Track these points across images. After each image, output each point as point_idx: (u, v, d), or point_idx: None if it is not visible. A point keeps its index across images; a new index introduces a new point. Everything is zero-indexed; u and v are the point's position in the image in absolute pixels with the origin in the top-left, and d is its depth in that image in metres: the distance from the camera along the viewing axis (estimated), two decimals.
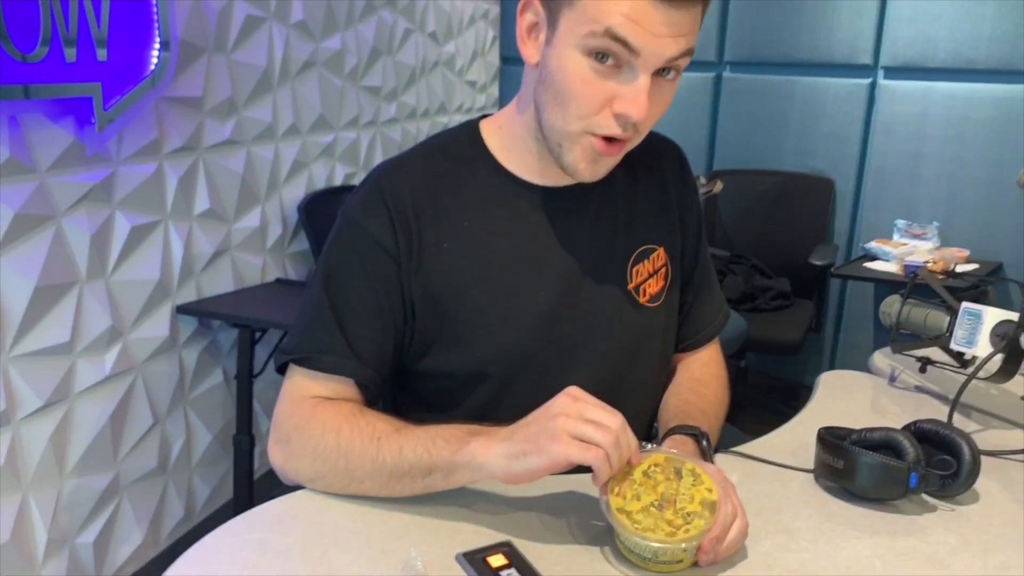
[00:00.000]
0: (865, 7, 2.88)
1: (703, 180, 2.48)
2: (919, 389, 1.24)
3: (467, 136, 1.01)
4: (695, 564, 0.77)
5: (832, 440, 0.92)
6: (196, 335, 2.12)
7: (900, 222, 2.88)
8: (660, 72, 0.83)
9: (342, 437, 0.87)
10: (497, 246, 0.97)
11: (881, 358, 1.34)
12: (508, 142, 0.99)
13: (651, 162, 1.06)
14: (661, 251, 1.05)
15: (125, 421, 1.93)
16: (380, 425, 0.87)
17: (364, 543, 0.81)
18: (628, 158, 1.00)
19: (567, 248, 0.98)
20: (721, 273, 2.98)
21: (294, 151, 2.45)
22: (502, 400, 0.98)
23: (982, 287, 1.21)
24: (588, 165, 0.89)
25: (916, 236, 2.83)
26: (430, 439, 0.83)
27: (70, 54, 1.58)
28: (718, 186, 2.52)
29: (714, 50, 3.23)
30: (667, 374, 1.12)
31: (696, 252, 1.12)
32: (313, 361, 0.93)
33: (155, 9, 1.78)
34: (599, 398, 0.89)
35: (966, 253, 2.72)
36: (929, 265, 2.59)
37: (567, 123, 0.86)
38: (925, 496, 0.92)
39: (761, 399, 3.15)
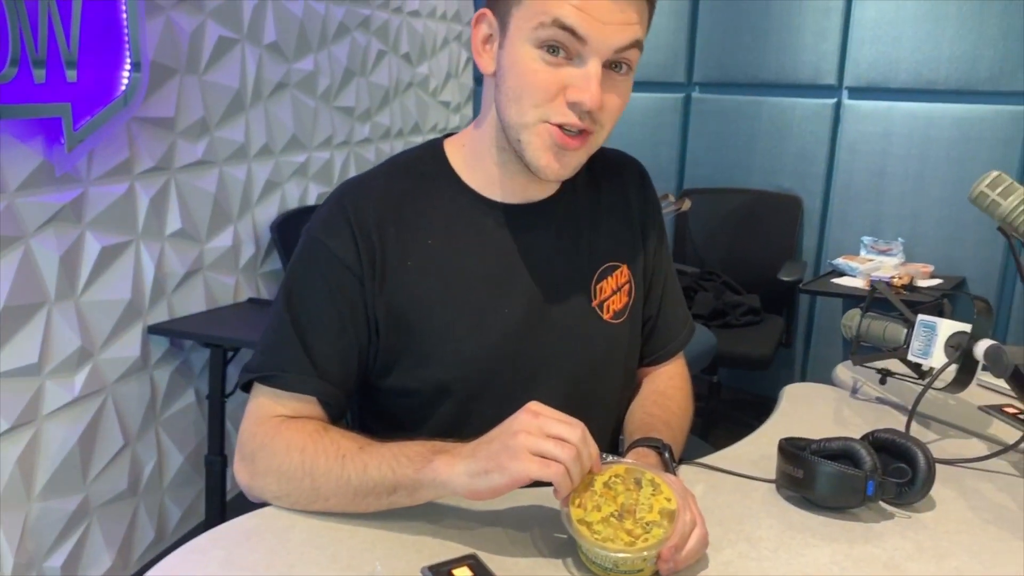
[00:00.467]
0: (829, 29, 2.95)
1: (672, 198, 2.52)
2: (880, 400, 1.27)
3: (430, 155, 1.02)
4: (656, 573, 0.79)
5: (792, 450, 0.94)
6: (168, 355, 2.11)
7: (866, 238, 2.93)
8: (612, 67, 0.87)
9: (307, 456, 0.87)
10: (461, 263, 0.97)
11: (844, 370, 1.37)
12: (471, 160, 1.00)
13: (613, 179, 1.09)
14: (624, 268, 1.06)
15: (95, 443, 1.91)
16: (344, 443, 0.87)
17: (330, 558, 0.81)
18: (591, 175, 1.03)
19: (531, 265, 0.99)
20: (692, 290, 3.02)
21: (267, 171, 2.45)
22: (468, 418, 0.99)
23: (940, 300, 1.24)
24: (552, 159, 0.90)
25: (882, 252, 2.89)
26: (394, 457, 0.84)
27: (39, 75, 1.58)
28: (686, 204, 2.56)
29: (683, 71, 3.29)
30: (632, 389, 1.13)
31: (659, 268, 1.13)
32: (277, 380, 0.94)
33: (126, 30, 1.79)
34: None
35: (930, 268, 2.78)
36: (894, 280, 2.64)
37: (523, 114, 0.88)
38: (883, 504, 0.94)
39: (733, 414, 3.18)
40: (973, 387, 1.29)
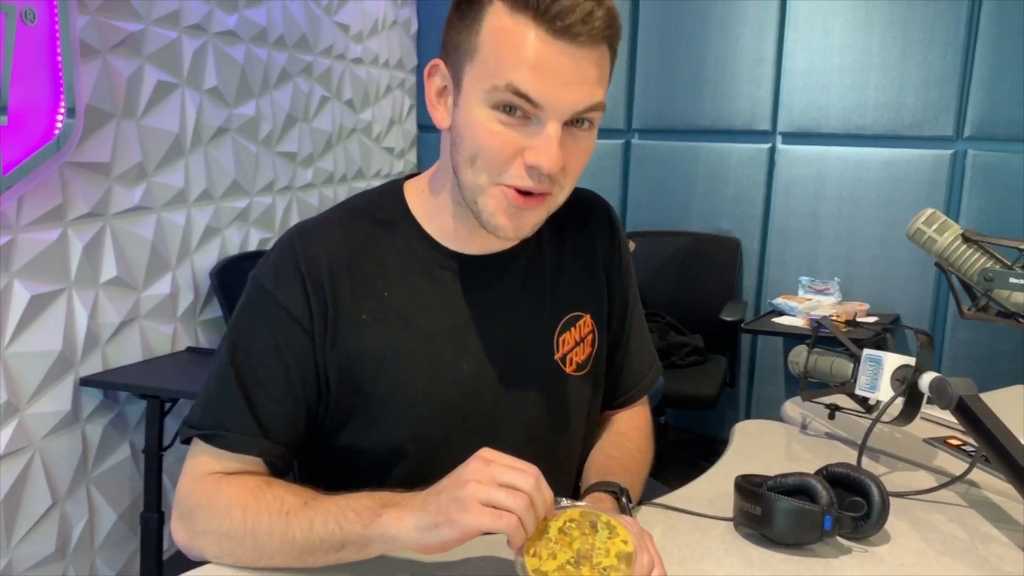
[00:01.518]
0: (762, 77, 3.06)
1: None
2: (829, 435, 1.28)
3: (390, 199, 0.97)
4: None
5: (749, 487, 0.94)
6: (101, 408, 2.03)
7: (804, 278, 3.01)
8: (573, 123, 0.82)
9: (248, 514, 0.83)
10: (418, 317, 0.93)
11: (792, 407, 1.39)
12: (431, 208, 0.95)
13: (579, 222, 1.05)
14: (588, 318, 1.03)
15: (20, 503, 1.81)
16: (288, 499, 0.83)
17: None
18: (556, 222, 0.99)
19: (491, 319, 0.96)
20: None
21: (207, 216, 2.40)
22: (425, 481, 0.91)
23: (882, 335, 1.27)
24: (508, 220, 0.86)
25: (819, 291, 2.96)
26: (340, 512, 0.79)
27: None
28: (632, 246, 2.59)
29: (623, 118, 3.36)
30: (594, 436, 1.10)
31: (624, 313, 1.10)
32: (219, 439, 0.89)
33: (60, 75, 1.74)
34: None
35: (866, 307, 2.86)
36: (833, 318, 2.70)
37: (478, 176, 0.84)
38: (840, 539, 0.94)
39: (681, 455, 3.19)
40: (918, 420, 1.32)
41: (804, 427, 1.31)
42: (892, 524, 0.97)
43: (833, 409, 1.25)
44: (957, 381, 1.01)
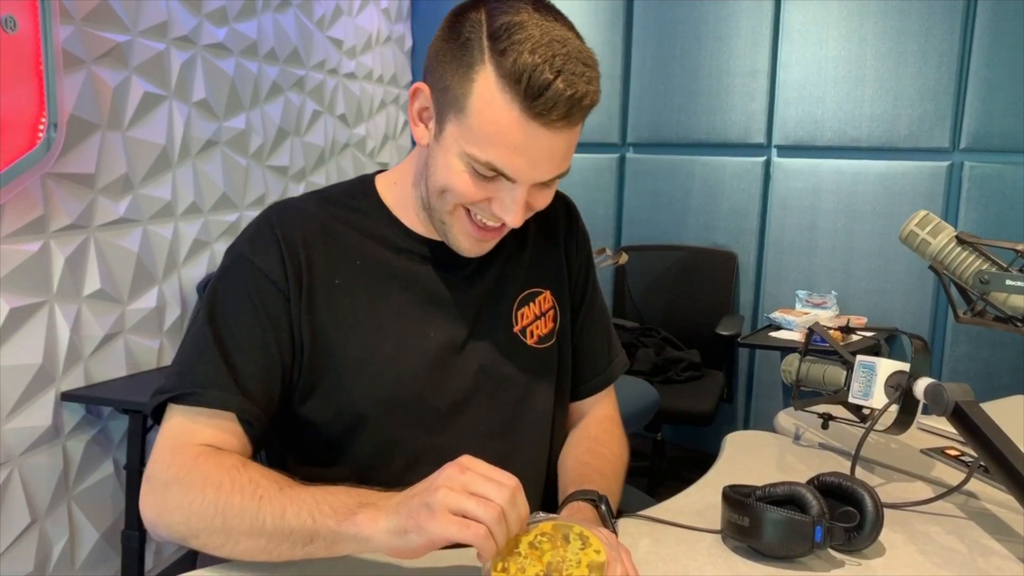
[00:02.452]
0: (757, 91, 3.04)
1: (609, 252, 2.52)
2: (823, 446, 1.25)
3: (361, 189, 1.02)
4: None
5: (737, 497, 0.90)
6: (83, 423, 1.99)
7: (801, 292, 2.97)
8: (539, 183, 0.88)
9: (222, 493, 0.80)
10: (387, 287, 0.96)
11: (786, 417, 1.35)
12: (402, 200, 1.00)
13: (541, 211, 1.07)
14: (547, 294, 1.07)
15: None
16: (264, 483, 0.80)
17: None
18: None
19: (455, 293, 0.99)
20: (633, 346, 3.00)
21: (195, 230, 2.38)
22: (390, 455, 0.94)
23: (875, 341, 1.23)
24: (470, 244, 0.94)
25: (816, 305, 2.92)
26: (315, 504, 0.76)
27: None
28: (623, 257, 2.57)
29: (617, 132, 3.34)
30: (565, 416, 1.11)
31: (583, 298, 1.12)
32: (195, 397, 0.87)
33: (43, 84, 1.72)
34: (491, 443, 0.94)
35: (864, 320, 2.82)
36: (831, 332, 2.66)
37: (444, 205, 0.91)
38: (832, 552, 0.90)
39: (679, 471, 3.14)
40: (915, 431, 1.28)
41: (797, 438, 1.27)
42: (887, 536, 0.94)
43: (826, 419, 1.21)
44: (953, 387, 0.97)
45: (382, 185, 1.01)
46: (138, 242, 2.15)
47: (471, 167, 0.86)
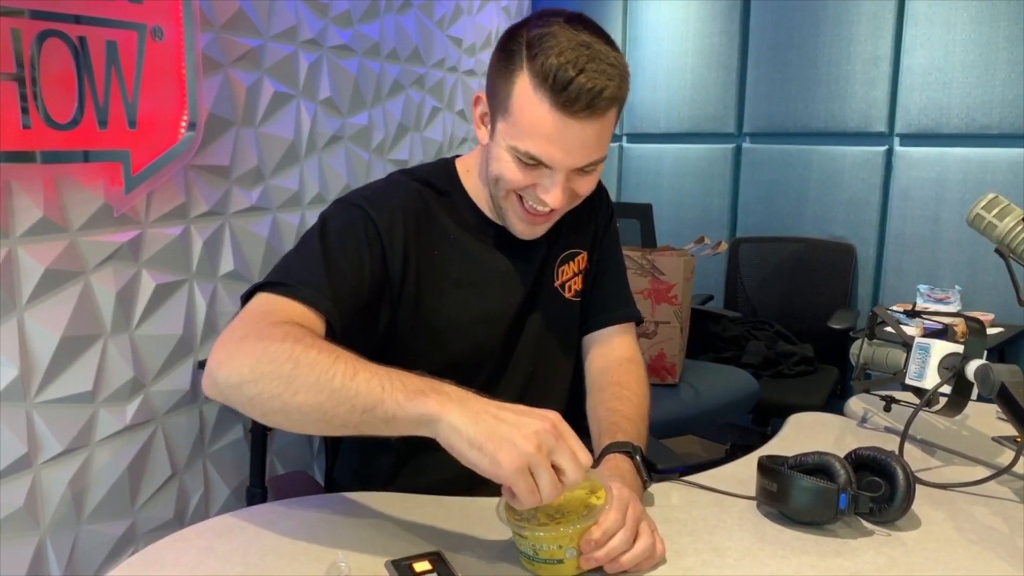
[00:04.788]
0: (878, 77, 2.94)
1: (708, 241, 2.53)
2: (888, 429, 1.24)
3: (446, 173, 1.17)
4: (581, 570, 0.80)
5: (770, 465, 0.94)
6: None
7: (922, 287, 2.85)
8: (580, 170, 1.00)
9: (299, 345, 0.82)
10: (471, 257, 1.13)
11: (856, 402, 1.35)
12: (474, 188, 1.17)
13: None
14: (584, 255, 1.24)
15: (144, 471, 2.01)
16: (342, 351, 0.83)
17: (301, 551, 0.85)
18: None
19: (518, 258, 1.16)
20: (744, 338, 2.99)
21: None
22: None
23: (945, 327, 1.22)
24: (524, 227, 1.09)
25: (939, 300, 2.80)
26: (388, 377, 0.79)
27: (102, 124, 1.73)
28: (723, 246, 2.57)
29: (733, 122, 3.31)
30: (586, 375, 1.24)
31: (601, 252, 1.27)
32: (290, 289, 0.93)
33: (185, 86, 1.94)
34: (529, 381, 1.13)
35: (991, 317, 2.68)
36: (955, 327, 2.55)
37: (499, 191, 1.06)
38: (864, 522, 0.93)
39: None
40: (993, 420, 1.25)
41: (864, 420, 1.27)
42: (927, 513, 0.95)
43: (889, 401, 1.21)
44: (1002, 368, 0.97)
45: (460, 169, 1.17)
46: (268, 228, 2.36)
47: (516, 158, 0.99)
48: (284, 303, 0.93)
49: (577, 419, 1.16)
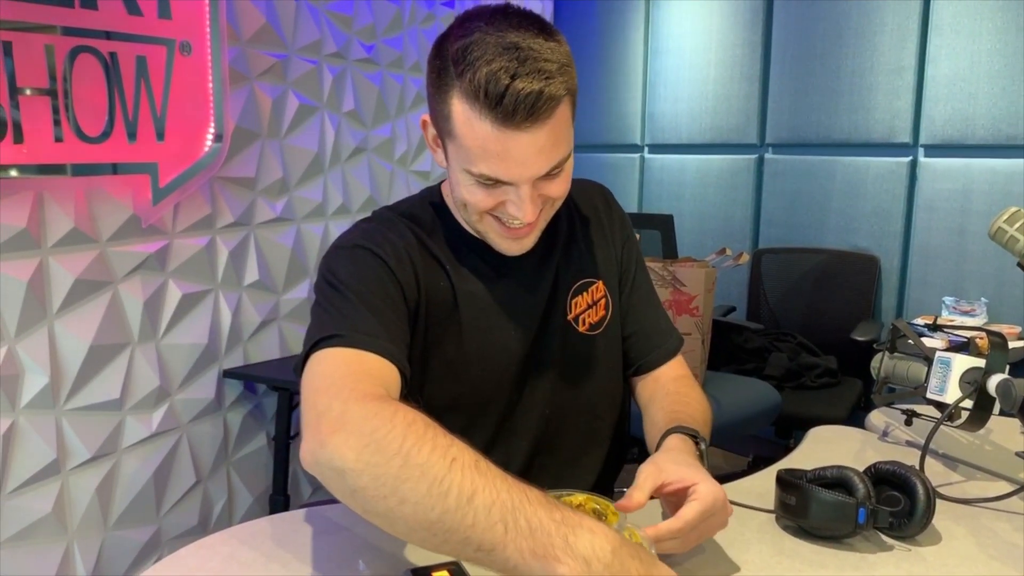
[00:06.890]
0: (902, 88, 2.92)
1: (729, 252, 2.52)
2: (909, 443, 1.24)
3: (429, 203, 1.08)
4: None
5: (789, 479, 0.94)
6: (241, 399, 2.25)
7: (948, 299, 2.82)
8: (546, 175, 0.91)
9: (410, 436, 0.69)
10: (472, 289, 1.04)
11: (877, 415, 1.34)
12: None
13: (584, 201, 1.16)
14: (600, 284, 1.13)
15: (169, 478, 2.04)
16: (455, 449, 0.70)
17: (324, 558, 0.87)
18: (566, 203, 1.09)
19: (522, 289, 1.07)
20: (766, 350, 2.97)
21: (343, 229, 2.59)
22: (472, 430, 1.03)
23: (968, 340, 1.21)
24: (509, 244, 1.00)
25: (965, 312, 2.77)
26: (511, 507, 0.66)
27: (131, 137, 1.77)
28: (744, 258, 2.55)
29: (756, 133, 3.30)
30: (617, 399, 1.16)
31: (636, 283, 1.17)
32: (351, 339, 0.85)
33: (211, 99, 1.98)
34: (546, 424, 1.06)
35: (1017, 330, 2.65)
36: (978, 341, 2.52)
37: (469, 215, 0.98)
38: (884, 537, 0.92)
39: None
40: (1016, 434, 1.24)
41: (885, 434, 1.27)
42: (949, 528, 0.95)
43: (910, 415, 1.21)
44: None
45: (447, 195, 1.07)
46: (292, 239, 2.39)
47: (475, 180, 0.92)
48: (358, 357, 0.85)
49: (606, 456, 1.15)
